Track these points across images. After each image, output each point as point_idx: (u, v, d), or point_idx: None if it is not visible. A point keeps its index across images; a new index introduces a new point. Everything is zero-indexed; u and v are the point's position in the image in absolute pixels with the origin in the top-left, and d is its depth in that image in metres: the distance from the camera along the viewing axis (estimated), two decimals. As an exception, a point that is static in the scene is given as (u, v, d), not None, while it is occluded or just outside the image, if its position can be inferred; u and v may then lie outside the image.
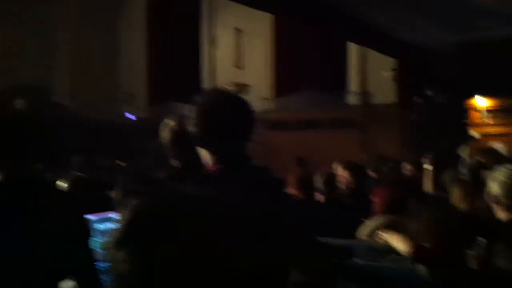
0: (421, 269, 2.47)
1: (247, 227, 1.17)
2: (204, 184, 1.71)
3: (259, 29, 14.12)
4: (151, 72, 14.88)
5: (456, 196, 3.94)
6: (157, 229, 1.04)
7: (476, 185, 4.70)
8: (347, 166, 4.82)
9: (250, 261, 1.38)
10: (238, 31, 14.74)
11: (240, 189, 1.68)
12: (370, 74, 13.41)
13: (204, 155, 1.85)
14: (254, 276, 1.48)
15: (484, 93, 11.94)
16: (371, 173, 5.85)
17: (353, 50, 13.21)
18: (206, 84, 15.43)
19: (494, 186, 3.07)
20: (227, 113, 1.82)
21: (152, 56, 14.74)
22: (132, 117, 15.61)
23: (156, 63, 14.58)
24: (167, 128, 2.54)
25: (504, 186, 3.01)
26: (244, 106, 1.88)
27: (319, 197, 4.96)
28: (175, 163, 2.50)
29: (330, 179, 4.92)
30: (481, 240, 2.77)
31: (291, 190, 4.90)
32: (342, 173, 4.85)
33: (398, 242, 2.73)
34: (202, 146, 1.83)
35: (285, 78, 14.28)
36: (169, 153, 2.54)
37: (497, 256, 2.18)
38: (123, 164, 10.75)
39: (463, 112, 12.13)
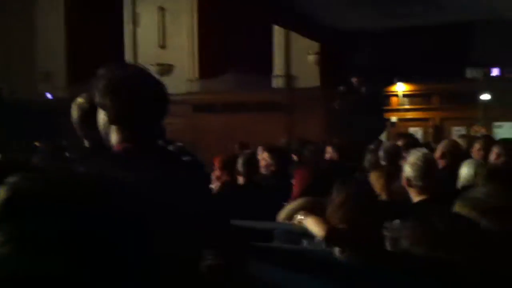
0: (335, 251, 2.48)
1: (150, 208, 1.08)
2: (108, 163, 1.64)
3: (184, 8, 13.85)
4: (70, 51, 14.34)
5: (374, 179, 4.01)
6: (36, 210, 0.92)
7: (393, 169, 4.84)
8: (268, 149, 4.80)
9: (156, 242, 1.25)
10: (161, 9, 14.38)
11: (146, 168, 1.60)
12: (295, 57, 13.50)
13: (113, 133, 1.74)
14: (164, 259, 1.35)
15: (402, 79, 12.35)
16: (293, 156, 5.88)
17: (278, 33, 13.24)
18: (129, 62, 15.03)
19: (407, 169, 3.16)
20: (135, 91, 1.70)
21: (70, 35, 14.18)
22: (50, 96, 15.08)
23: (75, 42, 14.01)
24: (75, 106, 2.40)
25: (416, 168, 3.10)
26: (154, 84, 1.76)
27: (240, 179, 4.92)
28: (85, 142, 2.38)
29: (250, 161, 4.87)
30: (394, 222, 2.84)
31: (216, 172, 4.84)
32: (263, 156, 4.83)
33: (313, 225, 2.73)
34: (110, 124, 1.73)
35: (211, 59, 14.13)
36: (79, 132, 2.41)
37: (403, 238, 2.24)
38: (39, 144, 10.31)
39: (382, 97, 12.49)
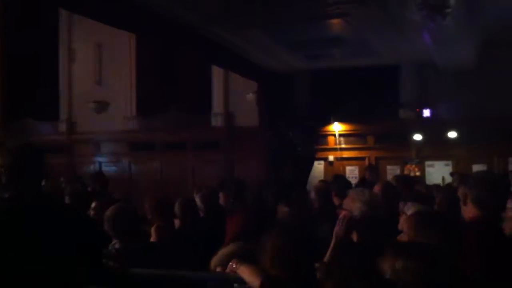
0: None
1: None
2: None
3: (121, 44, 13.68)
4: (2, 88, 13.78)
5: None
6: None
7: (322, 208, 4.84)
8: (201, 192, 4.73)
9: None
10: (98, 46, 14.14)
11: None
12: (234, 96, 13.53)
13: None
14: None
15: (338, 118, 12.58)
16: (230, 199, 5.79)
17: (217, 71, 13.26)
18: (64, 100, 14.59)
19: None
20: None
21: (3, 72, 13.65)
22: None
23: (8, 79, 13.50)
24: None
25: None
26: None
27: (176, 222, 4.79)
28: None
29: (187, 205, 4.77)
30: (321, 263, 2.84)
31: (149, 214, 4.67)
32: (198, 199, 4.74)
33: (247, 274, 2.66)
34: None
35: (148, 97, 13.93)
36: None
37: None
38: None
39: (317, 138, 12.68)
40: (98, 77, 14.29)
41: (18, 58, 13.39)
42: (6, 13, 13.10)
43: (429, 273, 1.97)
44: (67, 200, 5.19)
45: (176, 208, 4.76)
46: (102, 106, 13.96)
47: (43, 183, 2.64)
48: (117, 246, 3.45)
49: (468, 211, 2.85)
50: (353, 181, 9.27)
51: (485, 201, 2.80)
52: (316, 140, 12.74)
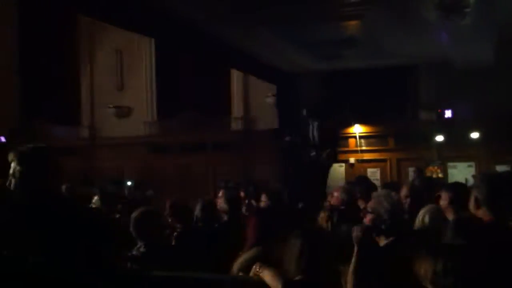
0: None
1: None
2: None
3: (141, 50, 13.81)
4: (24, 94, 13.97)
5: (323, 222, 3.99)
6: None
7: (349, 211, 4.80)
8: (225, 197, 4.75)
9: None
10: (118, 51, 14.29)
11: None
12: (253, 99, 13.55)
13: None
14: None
15: (357, 120, 12.50)
16: (252, 202, 5.79)
17: (236, 74, 13.29)
18: (85, 105, 14.79)
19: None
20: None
21: (23, 77, 13.83)
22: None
23: (29, 84, 13.68)
24: None
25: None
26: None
27: (196, 225, 4.80)
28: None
29: (208, 207, 4.77)
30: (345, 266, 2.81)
31: (169, 217, 4.69)
32: (220, 203, 4.75)
33: (270, 278, 2.65)
34: None
35: (168, 100, 14.04)
36: None
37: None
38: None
39: (337, 140, 12.60)
40: (119, 83, 14.44)
41: (39, 64, 13.60)
42: (28, 19, 13.33)
43: (470, 273, 1.94)
44: (96, 202, 5.22)
45: (197, 210, 4.77)
46: (123, 111, 14.11)
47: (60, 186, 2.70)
48: (142, 249, 3.46)
49: (482, 214, 2.74)
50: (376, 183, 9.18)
51: (492, 203, 2.69)
52: (336, 142, 12.68)
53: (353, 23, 8.81)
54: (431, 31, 8.61)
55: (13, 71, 13.52)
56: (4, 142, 14.27)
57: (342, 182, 8.86)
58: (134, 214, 3.60)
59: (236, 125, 13.84)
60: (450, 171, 12.11)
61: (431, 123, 11.94)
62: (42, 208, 2.40)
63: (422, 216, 3.67)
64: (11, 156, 2.56)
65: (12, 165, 2.50)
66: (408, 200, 4.49)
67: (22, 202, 2.43)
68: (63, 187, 5.00)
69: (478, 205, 2.72)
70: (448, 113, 12.02)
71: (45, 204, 2.45)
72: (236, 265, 3.10)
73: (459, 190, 3.57)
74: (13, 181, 2.46)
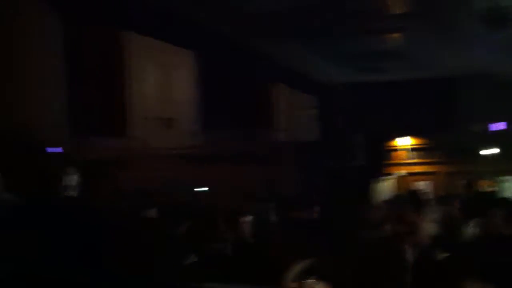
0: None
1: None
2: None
3: (185, 62, 13.90)
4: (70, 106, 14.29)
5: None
6: None
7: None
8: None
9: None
10: (162, 64, 14.43)
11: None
12: (295, 112, 13.48)
13: None
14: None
15: (406, 133, 12.32)
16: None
17: (278, 87, 13.25)
18: (130, 117, 14.96)
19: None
20: None
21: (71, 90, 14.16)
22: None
23: (74, 95, 13.97)
24: None
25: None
26: None
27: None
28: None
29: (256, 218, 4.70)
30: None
31: (221, 228, 4.62)
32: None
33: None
34: None
35: (211, 112, 14.06)
36: None
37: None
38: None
39: (385, 152, 12.40)
40: (161, 94, 14.56)
41: (84, 76, 13.88)
42: (70, 31, 13.64)
43: None
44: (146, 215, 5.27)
45: (245, 221, 4.72)
46: (167, 123, 14.20)
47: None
48: (191, 260, 3.48)
49: None
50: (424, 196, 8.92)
51: None
52: (383, 155, 12.50)
53: (395, 35, 8.73)
54: (477, 42, 8.43)
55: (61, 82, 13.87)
56: (61, 152, 14.64)
57: (390, 195, 8.64)
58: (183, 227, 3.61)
59: (276, 136, 13.76)
60: (502, 185, 11.71)
61: (483, 136, 11.65)
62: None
63: (473, 230, 3.58)
64: (72, 170, 2.65)
65: (73, 177, 2.63)
66: (460, 213, 4.38)
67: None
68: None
69: None
70: (499, 125, 11.72)
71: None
72: (288, 276, 2.98)
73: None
74: (71, 191, 2.60)
